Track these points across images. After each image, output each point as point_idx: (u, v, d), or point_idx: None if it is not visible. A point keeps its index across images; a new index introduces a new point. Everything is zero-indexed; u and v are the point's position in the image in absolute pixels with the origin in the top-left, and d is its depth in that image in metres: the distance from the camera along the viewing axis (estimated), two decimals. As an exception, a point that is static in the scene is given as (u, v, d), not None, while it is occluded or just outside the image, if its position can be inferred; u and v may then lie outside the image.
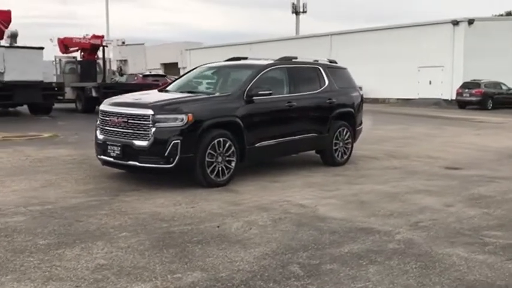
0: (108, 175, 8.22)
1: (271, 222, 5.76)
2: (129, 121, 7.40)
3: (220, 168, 7.59)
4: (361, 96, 10.54)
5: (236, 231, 5.41)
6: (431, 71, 36.89)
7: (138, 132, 7.31)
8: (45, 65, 19.27)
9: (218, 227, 5.55)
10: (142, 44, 22.82)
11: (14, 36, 18.77)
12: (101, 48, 22.94)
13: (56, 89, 20.89)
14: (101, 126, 7.85)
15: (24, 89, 18.01)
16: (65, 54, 24.26)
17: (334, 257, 4.67)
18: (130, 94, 9.00)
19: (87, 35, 23.58)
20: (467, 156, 11.42)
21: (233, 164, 7.77)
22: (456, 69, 35.56)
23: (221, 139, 7.56)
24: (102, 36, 23.55)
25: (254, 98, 8.13)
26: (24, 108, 21.28)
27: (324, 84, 9.57)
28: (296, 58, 9.56)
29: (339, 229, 5.54)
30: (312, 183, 8.01)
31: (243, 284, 4.03)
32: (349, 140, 9.94)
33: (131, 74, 24.46)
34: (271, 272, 4.26)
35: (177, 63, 60.20)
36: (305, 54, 37.40)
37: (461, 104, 32.23)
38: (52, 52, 24.22)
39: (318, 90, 9.41)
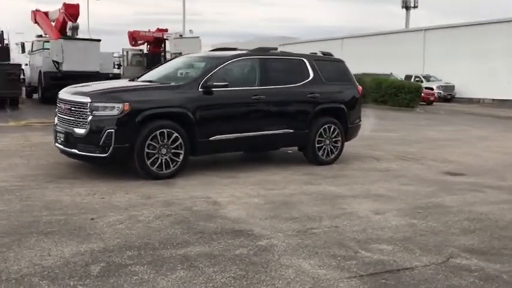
0: (71, 163, 8.17)
1: (153, 218, 5.47)
2: (72, 108, 7.42)
3: (164, 161, 7.37)
4: (358, 91, 9.78)
5: (101, 225, 5.19)
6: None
7: (78, 120, 7.30)
8: (104, 57, 20.02)
9: (92, 219, 5.37)
10: (197, 37, 23.01)
11: (75, 29, 19.73)
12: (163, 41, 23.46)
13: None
14: (57, 114, 7.94)
15: (81, 79, 18.71)
16: (134, 47, 25.16)
17: (158, 258, 4.31)
18: (99, 82, 9.04)
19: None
20: (492, 162, 10.29)
21: (181, 156, 7.51)
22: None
23: (165, 130, 7.33)
24: (166, 30, 24.10)
25: (213, 89, 7.80)
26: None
27: (308, 77, 9.00)
28: (275, 49, 9.09)
29: (212, 230, 5.14)
30: (265, 181, 7.57)
31: (22, 279, 3.81)
32: (338, 138, 9.27)
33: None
34: (66, 270, 4.01)
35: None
36: (396, 50, 35.90)
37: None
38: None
39: (298, 84, 8.85)
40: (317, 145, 8.98)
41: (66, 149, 7.48)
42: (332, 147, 9.21)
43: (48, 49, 19.75)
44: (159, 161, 7.33)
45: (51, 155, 8.86)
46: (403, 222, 5.70)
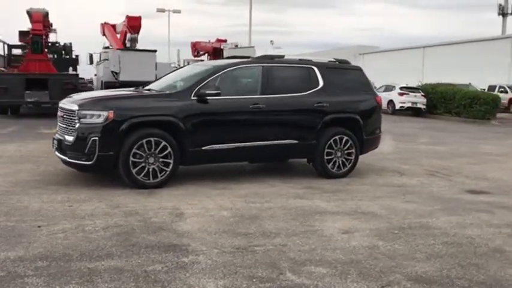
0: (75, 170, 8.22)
1: (100, 228, 5.34)
2: (64, 116, 7.50)
3: (151, 170, 7.26)
4: (376, 101, 9.20)
5: (41, 233, 5.12)
6: None
7: (68, 127, 7.37)
8: (162, 67, 20.43)
9: (39, 227, 5.33)
10: (253, 47, 22.90)
11: (133, 40, 20.35)
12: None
13: None
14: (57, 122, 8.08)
15: (138, 88, 19.34)
16: (196, 58, 25.53)
17: (63, 270, 4.15)
18: (104, 90, 9.11)
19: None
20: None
21: (170, 166, 7.37)
22: None
23: (152, 139, 7.23)
24: (224, 41, 24.25)
25: (208, 98, 7.62)
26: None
27: (317, 86, 8.58)
28: (282, 57, 8.74)
29: (147, 243, 4.93)
30: (254, 194, 7.25)
31: None
32: (352, 151, 8.75)
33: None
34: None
35: (350, 68, 59.06)
36: (481, 58, 34.07)
37: None
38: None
39: (306, 93, 8.45)
40: (326, 157, 8.52)
41: (60, 155, 7.57)
42: (344, 160, 8.70)
43: (108, 60, 20.48)
44: (146, 170, 7.21)
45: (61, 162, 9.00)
46: (366, 243, 5.20)
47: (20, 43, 21.91)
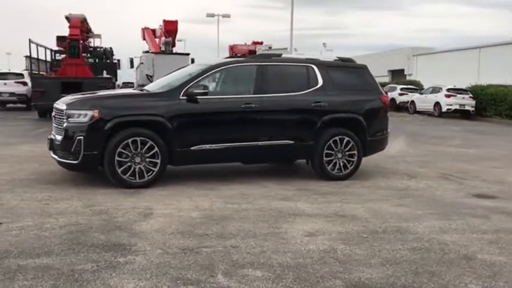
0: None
1: (57, 227, 5.31)
2: (56, 116, 7.59)
3: (138, 169, 7.23)
4: (382, 100, 8.82)
5: (-2, 229, 5.15)
6: None
7: (58, 127, 7.46)
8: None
9: (0, 223, 5.37)
10: (285, 48, 22.66)
11: (167, 44, 20.57)
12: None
13: None
14: (53, 122, 8.18)
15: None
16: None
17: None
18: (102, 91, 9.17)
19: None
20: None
21: (157, 166, 7.31)
22: None
23: (138, 138, 7.19)
24: (260, 43, 24.16)
25: (198, 97, 7.53)
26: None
27: (316, 85, 8.31)
28: (280, 55, 8.52)
29: (94, 242, 4.85)
30: (240, 195, 7.08)
31: None
32: (353, 152, 8.41)
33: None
34: None
35: (403, 70, 57.72)
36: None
37: None
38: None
39: (302, 92, 8.20)
40: (325, 158, 8.23)
41: (53, 155, 7.64)
42: (346, 162, 8.38)
43: (143, 64, 20.80)
44: (132, 169, 7.18)
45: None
46: (325, 247, 4.93)
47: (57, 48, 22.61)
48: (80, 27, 19.93)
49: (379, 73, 55.03)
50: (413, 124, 22.60)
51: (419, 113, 29.80)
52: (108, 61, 23.28)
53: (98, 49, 24.01)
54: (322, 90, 8.26)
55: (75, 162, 7.13)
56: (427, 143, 14.64)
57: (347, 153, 8.36)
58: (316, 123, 8.12)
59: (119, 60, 24.26)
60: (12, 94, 22.85)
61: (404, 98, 32.40)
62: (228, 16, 48.11)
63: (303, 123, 8.15)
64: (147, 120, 7.30)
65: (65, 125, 7.20)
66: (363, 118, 8.45)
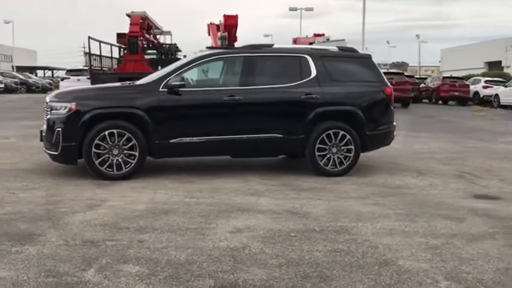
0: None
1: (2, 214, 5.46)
2: (44, 108, 7.83)
3: (116, 161, 7.29)
4: (385, 92, 8.24)
5: None
6: None
7: (45, 119, 7.68)
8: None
9: None
10: (343, 40, 21.89)
11: (223, 38, 20.63)
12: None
13: None
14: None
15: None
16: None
17: None
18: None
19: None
20: None
21: (136, 158, 7.33)
22: None
23: (115, 130, 7.25)
24: (322, 35, 23.55)
25: (179, 89, 7.47)
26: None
27: (308, 76, 7.93)
28: (270, 46, 8.21)
29: (17, 231, 4.91)
30: (213, 189, 6.84)
31: None
32: (350, 147, 7.95)
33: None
34: None
35: (500, 62, 54.06)
36: None
37: None
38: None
39: (292, 84, 7.85)
40: (318, 153, 7.84)
41: (43, 147, 7.88)
42: (342, 157, 7.93)
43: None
44: (110, 161, 7.24)
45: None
46: (237, 244, 4.67)
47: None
48: (141, 24, 20.50)
49: (474, 65, 52.13)
50: (484, 119, 21.13)
51: (504, 107, 27.89)
52: (173, 57, 23.75)
53: (164, 46, 24.62)
54: (315, 82, 7.87)
55: (56, 153, 7.30)
56: (478, 139, 13.62)
57: (343, 148, 7.90)
58: (307, 116, 7.75)
59: (185, 56, 24.68)
60: None
61: (488, 91, 30.53)
62: (310, 9, 47.61)
63: (292, 116, 7.81)
64: (123, 113, 7.33)
65: (48, 116, 7.39)
66: (360, 111, 7.95)
